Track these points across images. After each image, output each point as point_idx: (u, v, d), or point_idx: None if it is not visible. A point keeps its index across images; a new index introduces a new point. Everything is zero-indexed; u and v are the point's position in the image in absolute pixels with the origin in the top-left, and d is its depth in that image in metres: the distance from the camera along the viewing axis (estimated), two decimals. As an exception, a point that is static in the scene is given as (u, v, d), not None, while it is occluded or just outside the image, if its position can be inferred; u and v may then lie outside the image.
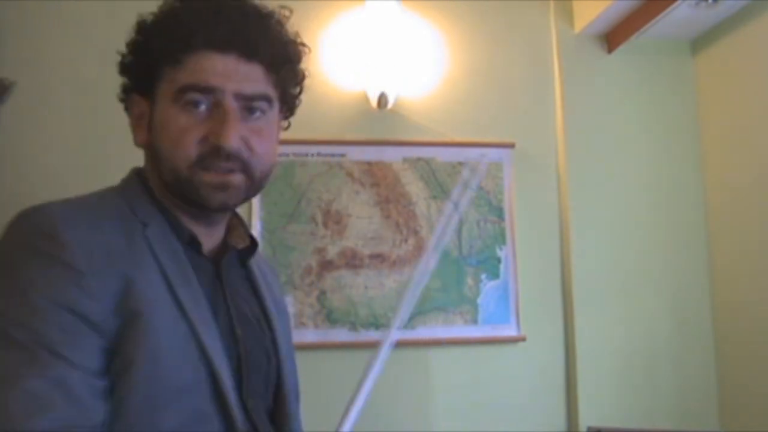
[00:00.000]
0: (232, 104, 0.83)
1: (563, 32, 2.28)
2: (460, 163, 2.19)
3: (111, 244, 0.79)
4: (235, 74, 0.84)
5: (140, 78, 0.87)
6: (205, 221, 0.90)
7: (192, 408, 0.78)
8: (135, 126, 0.89)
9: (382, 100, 2.11)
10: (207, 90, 0.82)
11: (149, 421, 0.76)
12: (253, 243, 0.97)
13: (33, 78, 1.95)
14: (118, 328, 0.75)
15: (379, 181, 2.14)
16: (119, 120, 2.10)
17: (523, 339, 2.14)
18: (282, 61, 0.89)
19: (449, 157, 2.19)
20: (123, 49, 0.90)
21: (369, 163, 2.15)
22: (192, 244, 0.87)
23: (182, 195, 0.85)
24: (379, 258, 2.10)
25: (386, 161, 2.16)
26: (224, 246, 0.94)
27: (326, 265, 2.07)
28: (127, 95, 0.90)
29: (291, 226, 2.08)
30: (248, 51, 0.85)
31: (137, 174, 0.90)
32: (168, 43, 0.83)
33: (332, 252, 2.08)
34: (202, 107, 0.83)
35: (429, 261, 0.94)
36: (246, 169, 0.85)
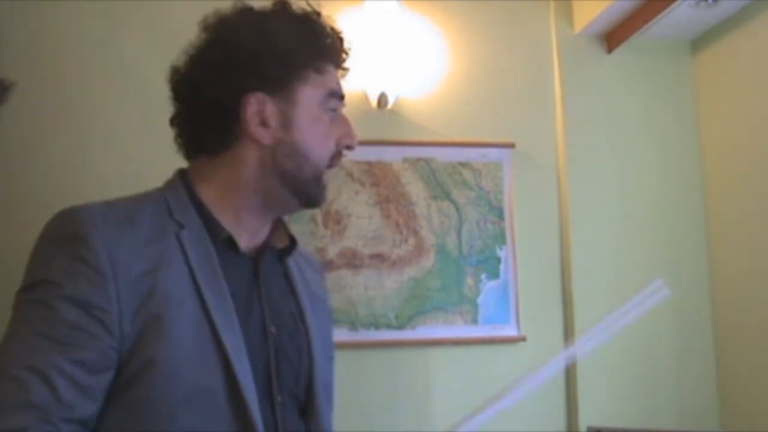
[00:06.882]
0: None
1: (563, 32, 2.28)
2: (461, 163, 2.19)
3: (139, 246, 0.82)
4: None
5: (273, 78, 0.91)
6: (270, 219, 0.98)
7: (208, 408, 0.81)
8: (253, 122, 0.91)
9: (382, 100, 2.10)
10: (342, 99, 0.95)
11: (164, 419, 0.79)
12: (293, 242, 1.03)
13: (33, 78, 1.95)
14: (138, 329, 0.79)
15: (379, 181, 2.14)
16: (119, 119, 2.09)
17: (523, 339, 2.14)
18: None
19: (449, 157, 2.19)
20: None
21: (369, 163, 2.15)
22: (229, 244, 0.91)
23: (302, 192, 0.94)
24: (379, 258, 2.10)
25: (386, 161, 2.15)
26: (265, 246, 0.99)
27: (326, 265, 2.07)
28: (235, 93, 0.91)
29: (291, 226, 2.05)
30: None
31: (180, 175, 0.94)
32: (315, 51, 0.92)
33: (332, 252, 2.08)
34: (334, 115, 0.94)
35: None
36: None
